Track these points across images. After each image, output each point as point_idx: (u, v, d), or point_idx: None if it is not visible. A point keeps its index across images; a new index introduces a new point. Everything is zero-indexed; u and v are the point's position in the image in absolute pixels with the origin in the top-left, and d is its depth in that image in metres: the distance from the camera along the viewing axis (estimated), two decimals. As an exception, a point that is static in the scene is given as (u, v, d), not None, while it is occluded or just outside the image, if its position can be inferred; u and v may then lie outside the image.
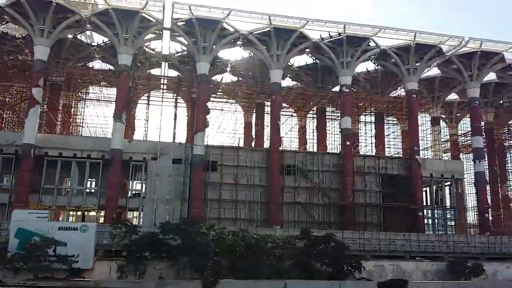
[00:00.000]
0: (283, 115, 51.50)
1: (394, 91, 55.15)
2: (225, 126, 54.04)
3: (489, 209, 48.93)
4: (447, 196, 48.37)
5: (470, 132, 53.31)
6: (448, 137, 61.97)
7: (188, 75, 49.09)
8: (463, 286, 28.35)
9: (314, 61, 49.99)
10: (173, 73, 51.35)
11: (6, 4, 39.56)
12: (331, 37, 44.91)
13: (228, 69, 52.20)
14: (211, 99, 49.44)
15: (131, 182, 43.21)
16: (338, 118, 50.77)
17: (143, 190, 41.36)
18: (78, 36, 46.58)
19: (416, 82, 47.13)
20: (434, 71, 52.26)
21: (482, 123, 54.88)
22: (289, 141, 54.08)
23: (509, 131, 60.02)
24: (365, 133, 55.00)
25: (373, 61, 49.16)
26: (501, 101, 57.30)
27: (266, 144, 48.95)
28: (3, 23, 43.02)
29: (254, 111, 55.34)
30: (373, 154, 51.21)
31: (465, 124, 59.65)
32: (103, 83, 49.87)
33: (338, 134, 49.82)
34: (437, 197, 48.68)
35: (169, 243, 25.34)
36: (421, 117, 56.62)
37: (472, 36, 46.69)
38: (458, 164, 50.30)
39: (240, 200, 42.12)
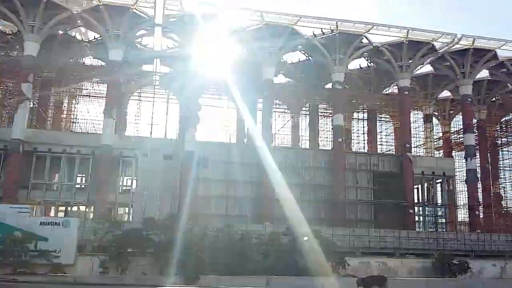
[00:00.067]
0: (275, 111, 51.57)
1: (387, 88, 55.10)
2: (218, 122, 53.89)
3: (480, 206, 49.01)
4: (439, 193, 48.42)
5: (462, 130, 53.32)
6: (441, 134, 62.00)
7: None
8: (446, 283, 28.33)
9: (307, 58, 49.85)
10: (166, 69, 51.13)
11: (-4, 0, 39.30)
12: (323, 33, 44.80)
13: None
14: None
15: (121, 178, 43.02)
16: (330, 115, 50.80)
17: (133, 186, 41.24)
18: (74, 32, 46.31)
19: (408, 79, 47.08)
20: (427, 68, 52.14)
21: (475, 120, 54.96)
22: (281, 137, 54.01)
23: (501, 128, 60.05)
24: (358, 130, 54.99)
25: (366, 58, 49.10)
26: (493, 99, 57.32)
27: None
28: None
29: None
30: (366, 151, 51.26)
31: (457, 122, 59.56)
32: (95, 79, 49.60)
33: (330, 131, 49.83)
34: (428, 194, 48.77)
35: (153, 239, 25.28)
36: (413, 114, 56.82)
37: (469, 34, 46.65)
38: (449, 162, 50.44)
39: (231, 196, 42.09)
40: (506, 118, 60.03)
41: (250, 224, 34.68)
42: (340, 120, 45.17)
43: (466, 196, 50.11)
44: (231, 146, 44.37)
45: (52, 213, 41.33)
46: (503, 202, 58.45)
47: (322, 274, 23.97)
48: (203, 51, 42.96)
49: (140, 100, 53.01)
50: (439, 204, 48.09)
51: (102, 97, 47.93)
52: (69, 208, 40.53)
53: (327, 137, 52.26)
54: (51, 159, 39.41)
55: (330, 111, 50.96)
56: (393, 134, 55.44)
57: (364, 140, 54.82)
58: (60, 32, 44.08)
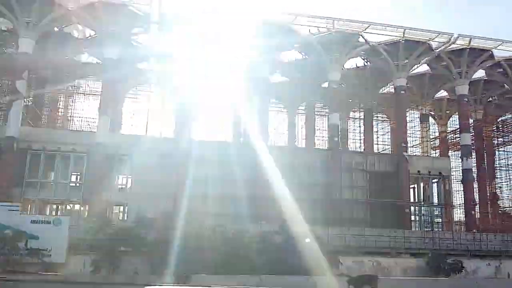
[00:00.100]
0: (272, 110, 51.49)
1: (384, 88, 55.02)
2: (214, 121, 53.75)
3: (476, 206, 49.01)
4: (435, 193, 48.38)
5: (458, 129, 53.30)
6: (438, 134, 62.03)
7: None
8: (437, 283, 28.22)
9: (304, 56, 49.72)
10: (162, 67, 50.86)
11: (-10, -4, 39.04)
12: (320, 32, 44.69)
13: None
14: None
15: (116, 176, 42.77)
16: (327, 114, 50.71)
17: (129, 184, 41.01)
18: (73, 31, 46.03)
19: (404, 79, 47.06)
20: (423, 67, 52.13)
21: (471, 120, 54.97)
22: (277, 136, 53.94)
23: (497, 128, 60.11)
24: (354, 129, 54.95)
25: (362, 57, 49.02)
26: (490, 99, 57.39)
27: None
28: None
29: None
30: (362, 150, 51.18)
31: (454, 121, 59.62)
32: (90, 77, 49.41)
33: (327, 130, 49.74)
34: (425, 194, 48.73)
35: (145, 237, 25.10)
36: (410, 114, 56.85)
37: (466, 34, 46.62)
38: (445, 161, 50.35)
39: (228, 195, 41.84)
40: (503, 118, 60.18)
41: (243, 223, 34.47)
42: (336, 119, 45.12)
43: (463, 195, 50.14)
44: (228, 145, 44.16)
45: (47, 212, 41.19)
46: (499, 202, 58.60)
47: (315, 273, 23.85)
48: (199, 49, 42.83)
49: (136, 98, 53.04)
50: (435, 204, 48.01)
51: (97, 95, 47.65)
52: (60, 207, 40.21)
53: (323, 136, 52.15)
54: (46, 157, 39.07)
55: (327, 110, 50.86)
56: (389, 134, 55.41)
57: (360, 140, 54.75)
58: (56, 29, 43.75)
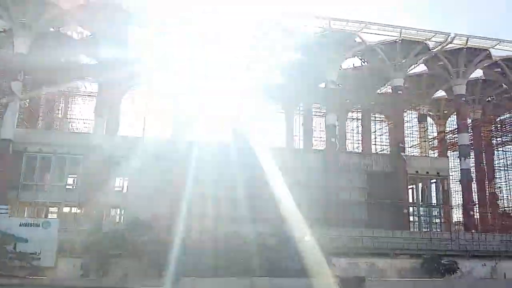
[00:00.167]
0: (269, 111, 51.25)
1: (382, 88, 54.84)
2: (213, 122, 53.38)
3: (475, 206, 48.78)
4: (433, 193, 48.13)
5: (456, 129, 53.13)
6: (436, 134, 61.86)
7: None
8: (428, 284, 28.00)
9: (301, 57, 49.43)
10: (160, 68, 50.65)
11: (-15, -4, 38.88)
12: (316, 32, 44.52)
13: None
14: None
15: (113, 178, 42.46)
16: (324, 115, 50.49)
17: (125, 186, 40.77)
18: (71, 32, 45.84)
19: (402, 79, 46.89)
20: (421, 68, 52.01)
21: (469, 120, 54.83)
22: (276, 137, 53.71)
23: (496, 128, 59.94)
24: (352, 130, 54.74)
25: (359, 57, 48.83)
26: (488, 98, 57.19)
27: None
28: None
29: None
30: (360, 151, 50.98)
31: (452, 122, 59.46)
32: (87, 78, 49.19)
33: (324, 130, 49.50)
34: (423, 194, 48.50)
35: (136, 240, 24.81)
36: (408, 114, 56.73)
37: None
38: (443, 161, 50.13)
39: (225, 197, 41.58)
40: (501, 117, 60.01)
41: (240, 225, 34.24)
42: (333, 119, 45.00)
43: (462, 196, 49.90)
44: (226, 146, 43.82)
45: (43, 215, 40.87)
46: (499, 202, 58.37)
47: (309, 275, 23.61)
48: (196, 49, 42.63)
49: (133, 99, 52.84)
50: (434, 204, 47.75)
51: (94, 96, 47.52)
52: (56, 209, 39.93)
53: (321, 137, 51.96)
54: (41, 160, 38.86)
55: (324, 111, 50.66)
56: (387, 134, 55.21)
57: (358, 140, 54.55)
58: (52, 29, 43.56)
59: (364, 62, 49.86)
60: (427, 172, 46.71)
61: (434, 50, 46.96)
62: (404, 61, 46.45)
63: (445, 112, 60.59)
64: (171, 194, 39.47)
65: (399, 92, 46.91)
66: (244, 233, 28.67)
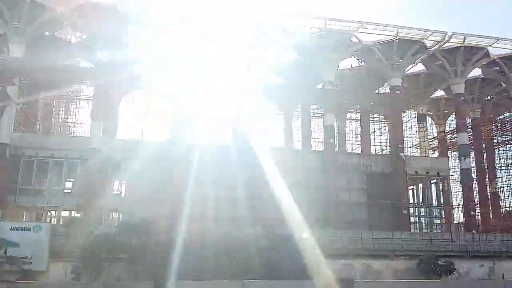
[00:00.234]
0: (268, 111, 51.10)
1: (380, 88, 54.65)
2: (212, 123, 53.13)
3: (476, 206, 48.45)
4: (434, 193, 47.82)
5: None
6: (436, 134, 61.57)
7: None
8: (416, 285, 27.70)
9: (298, 57, 49.28)
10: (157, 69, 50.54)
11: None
12: (312, 32, 44.40)
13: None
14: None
15: (112, 182, 42.34)
16: (323, 116, 50.24)
17: (123, 190, 40.62)
18: (68, 35, 45.82)
19: (399, 78, 46.70)
20: (419, 67, 51.83)
21: (469, 119, 54.56)
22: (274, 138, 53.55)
23: (496, 127, 59.61)
24: (351, 130, 54.53)
25: (356, 57, 48.69)
26: (488, 97, 56.91)
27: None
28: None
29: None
30: (359, 152, 50.76)
31: (452, 121, 59.13)
32: (84, 81, 49.15)
33: (323, 131, 49.23)
34: (424, 195, 48.20)
35: (127, 243, 24.57)
36: (407, 114, 56.55)
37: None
38: (443, 161, 49.80)
39: (223, 197, 41.37)
40: (501, 116, 59.68)
41: (236, 226, 34.09)
42: (331, 120, 44.84)
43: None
44: (225, 147, 43.68)
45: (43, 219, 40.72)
46: (500, 202, 57.97)
47: (307, 277, 23.37)
48: (194, 51, 42.50)
49: (132, 101, 52.78)
50: (434, 205, 47.43)
51: (91, 100, 47.41)
52: (54, 213, 39.79)
53: (320, 138, 51.77)
54: (39, 164, 38.71)
55: (323, 112, 50.47)
56: (387, 134, 54.98)
57: (358, 141, 54.34)
58: (47, 33, 43.51)
59: (361, 62, 49.74)
60: (427, 172, 46.38)
61: (432, 49, 46.76)
62: (401, 60, 46.25)
63: (445, 111, 60.32)
64: (169, 196, 39.33)
65: (397, 92, 46.73)
66: (242, 234, 28.38)
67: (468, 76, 49.55)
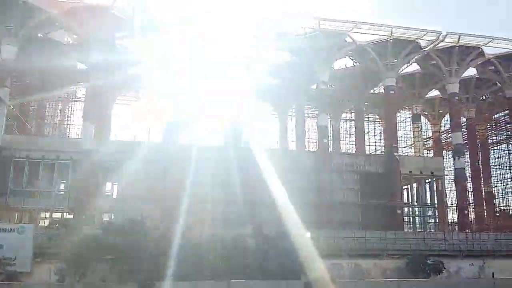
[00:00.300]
0: (262, 112, 51.03)
1: (375, 88, 54.54)
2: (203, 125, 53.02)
3: (469, 206, 48.40)
4: (428, 193, 47.72)
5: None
6: (431, 134, 61.50)
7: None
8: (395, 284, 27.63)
9: (292, 57, 49.22)
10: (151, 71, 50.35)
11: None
12: (306, 32, 44.28)
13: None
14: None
15: (102, 183, 42.20)
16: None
17: (115, 191, 40.47)
18: (65, 37, 45.70)
19: (394, 78, 46.61)
20: (414, 67, 51.73)
21: (464, 119, 54.47)
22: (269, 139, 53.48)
23: (491, 127, 59.56)
24: (346, 131, 54.44)
25: (351, 57, 48.57)
26: (483, 97, 56.84)
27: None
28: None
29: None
30: (353, 152, 50.68)
31: (447, 121, 59.08)
32: (78, 83, 48.99)
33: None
34: (418, 194, 48.08)
35: (112, 244, 24.44)
36: (402, 114, 56.45)
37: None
38: (437, 161, 49.67)
39: (215, 200, 41.24)
40: (496, 116, 59.63)
41: (222, 227, 34.02)
42: (325, 120, 44.78)
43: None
44: (218, 148, 43.56)
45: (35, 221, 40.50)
46: (495, 201, 57.94)
47: (290, 277, 23.28)
48: (187, 52, 42.36)
49: (123, 104, 52.67)
50: (428, 204, 47.32)
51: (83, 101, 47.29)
52: (46, 215, 39.61)
53: (314, 138, 51.67)
54: (30, 165, 38.51)
55: (317, 112, 50.39)
56: (381, 134, 54.90)
57: (352, 141, 54.24)
58: (40, 35, 43.37)
59: (355, 63, 49.63)
60: (421, 172, 46.20)
61: (426, 49, 46.70)
62: (395, 60, 46.18)
63: (440, 111, 60.29)
64: (162, 197, 39.23)
65: (391, 92, 46.61)
66: (231, 235, 28.21)
67: (463, 75, 49.51)
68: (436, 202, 46.91)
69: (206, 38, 42.71)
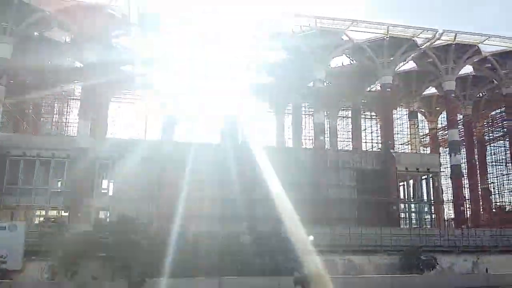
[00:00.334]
0: (259, 110, 51.02)
1: (372, 86, 54.56)
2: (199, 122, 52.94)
3: (465, 202, 48.51)
4: (424, 190, 47.81)
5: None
6: (428, 131, 61.58)
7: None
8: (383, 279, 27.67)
9: (289, 56, 49.19)
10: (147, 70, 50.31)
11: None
12: (303, 31, 44.27)
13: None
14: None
15: (98, 181, 42.17)
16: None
17: (111, 189, 40.46)
18: (63, 36, 45.54)
19: (390, 76, 46.62)
20: (411, 64, 51.77)
21: (460, 116, 54.56)
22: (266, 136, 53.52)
23: (488, 124, 59.67)
24: (343, 128, 54.49)
25: (347, 55, 48.56)
26: (479, 94, 56.92)
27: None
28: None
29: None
30: (349, 149, 50.73)
31: (444, 118, 59.10)
32: (74, 81, 48.90)
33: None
34: (414, 191, 48.19)
35: (104, 242, 24.40)
36: (399, 112, 56.52)
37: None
38: (433, 158, 49.77)
39: (212, 197, 41.23)
40: (493, 113, 59.72)
41: (219, 224, 34.01)
42: (321, 118, 44.78)
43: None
44: (215, 145, 43.57)
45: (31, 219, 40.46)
46: (492, 197, 58.09)
47: (282, 273, 23.29)
48: (183, 50, 42.30)
49: (120, 102, 52.62)
50: (424, 201, 47.42)
51: (79, 99, 47.19)
52: (41, 213, 39.57)
53: (311, 136, 51.70)
54: (25, 163, 38.44)
55: (313, 110, 50.38)
56: (378, 132, 54.96)
57: (349, 138, 54.29)
58: (36, 33, 43.22)
59: (352, 61, 49.62)
60: (417, 169, 46.34)
61: (423, 47, 46.75)
62: (392, 58, 46.23)
63: (437, 108, 60.39)
64: (158, 194, 39.25)
65: (388, 89, 46.66)
66: (225, 232, 28.23)
67: (460, 73, 49.62)
68: (432, 198, 47.00)
69: (206, 38, 42.60)
